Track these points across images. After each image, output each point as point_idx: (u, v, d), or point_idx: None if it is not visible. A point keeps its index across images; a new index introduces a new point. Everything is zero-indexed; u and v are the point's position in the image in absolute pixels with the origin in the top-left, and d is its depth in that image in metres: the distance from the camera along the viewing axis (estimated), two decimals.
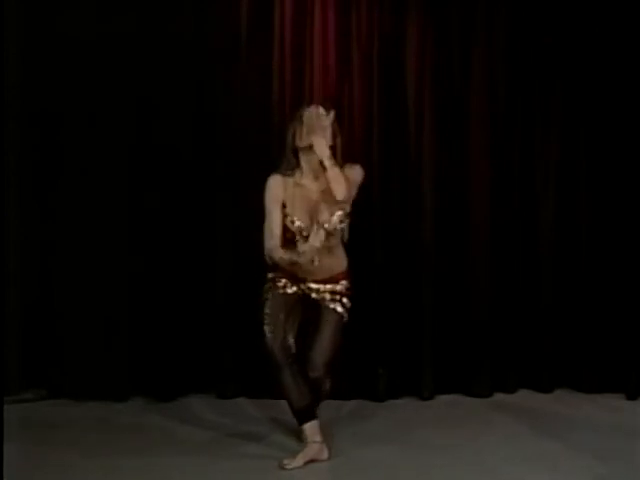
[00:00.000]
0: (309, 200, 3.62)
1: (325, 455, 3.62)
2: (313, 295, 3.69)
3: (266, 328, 3.62)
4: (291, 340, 3.66)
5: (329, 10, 4.60)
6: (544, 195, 4.76)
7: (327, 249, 3.60)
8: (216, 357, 4.63)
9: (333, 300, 3.68)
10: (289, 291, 3.69)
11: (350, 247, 4.24)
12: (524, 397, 4.70)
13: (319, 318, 3.68)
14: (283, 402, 4.05)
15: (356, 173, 3.67)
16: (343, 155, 3.69)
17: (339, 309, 3.68)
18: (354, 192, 3.64)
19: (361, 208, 4.48)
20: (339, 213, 3.59)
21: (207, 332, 4.63)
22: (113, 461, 3.55)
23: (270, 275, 3.71)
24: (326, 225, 3.55)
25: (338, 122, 4.42)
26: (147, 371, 4.58)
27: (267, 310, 3.65)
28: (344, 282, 3.72)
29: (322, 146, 3.48)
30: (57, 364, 4.63)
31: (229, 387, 4.61)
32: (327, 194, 3.57)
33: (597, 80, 4.70)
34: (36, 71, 4.67)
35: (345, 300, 3.70)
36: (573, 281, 4.78)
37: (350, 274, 3.76)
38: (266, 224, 3.59)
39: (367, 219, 4.60)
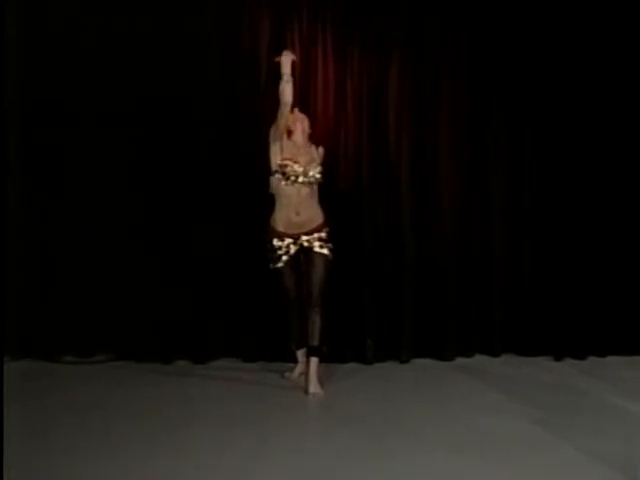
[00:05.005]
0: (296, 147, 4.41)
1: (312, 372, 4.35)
2: (305, 244, 4.36)
3: (284, 288, 4.45)
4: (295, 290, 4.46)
5: (329, 62, 5.07)
6: (495, 198, 5.24)
7: (307, 199, 4.36)
8: (242, 328, 4.98)
9: (321, 247, 4.37)
10: (292, 252, 4.38)
11: (344, 245, 4.72)
12: (479, 361, 5.15)
13: (312, 262, 4.37)
14: (292, 365, 4.69)
15: (321, 154, 4.52)
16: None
17: (326, 252, 4.39)
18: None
19: (351, 206, 5.04)
20: (315, 165, 4.38)
21: (235, 307, 4.95)
22: (162, 410, 3.96)
23: (271, 226, 4.41)
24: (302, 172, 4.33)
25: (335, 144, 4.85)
26: (187, 339, 4.97)
27: (282, 279, 4.43)
28: (326, 229, 4.41)
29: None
30: (123, 332, 4.85)
31: (252, 352, 5.02)
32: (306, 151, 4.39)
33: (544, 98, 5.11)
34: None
35: (330, 244, 4.40)
36: (519, 269, 5.26)
37: (328, 223, 4.42)
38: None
39: (357, 219, 5.06)
